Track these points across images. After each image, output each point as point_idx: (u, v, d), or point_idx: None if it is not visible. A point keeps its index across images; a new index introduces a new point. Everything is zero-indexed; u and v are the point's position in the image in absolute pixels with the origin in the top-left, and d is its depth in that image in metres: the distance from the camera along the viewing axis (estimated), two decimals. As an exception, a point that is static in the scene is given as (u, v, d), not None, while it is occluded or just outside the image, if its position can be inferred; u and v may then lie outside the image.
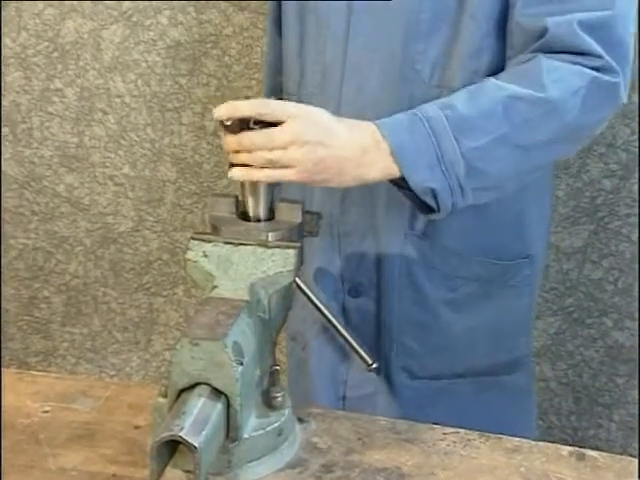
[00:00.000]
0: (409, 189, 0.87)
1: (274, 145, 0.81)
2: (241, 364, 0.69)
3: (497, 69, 0.93)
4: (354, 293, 1.05)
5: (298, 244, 0.81)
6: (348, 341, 0.95)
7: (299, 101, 1.02)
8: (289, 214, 0.85)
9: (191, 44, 1.72)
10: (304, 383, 1.13)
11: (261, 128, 0.81)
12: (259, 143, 0.81)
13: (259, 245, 0.79)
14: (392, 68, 0.94)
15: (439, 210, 0.88)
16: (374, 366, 0.93)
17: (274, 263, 0.78)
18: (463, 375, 1.06)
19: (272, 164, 0.81)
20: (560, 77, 0.86)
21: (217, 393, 0.69)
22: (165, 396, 0.73)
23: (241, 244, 0.80)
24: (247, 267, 0.78)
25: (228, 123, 0.81)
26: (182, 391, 0.70)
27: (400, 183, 0.87)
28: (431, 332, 1.04)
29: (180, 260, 1.85)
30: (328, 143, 0.82)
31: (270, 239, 0.81)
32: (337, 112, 0.93)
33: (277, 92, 1.22)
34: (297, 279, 0.85)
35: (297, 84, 1.04)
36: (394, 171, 0.85)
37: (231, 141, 0.82)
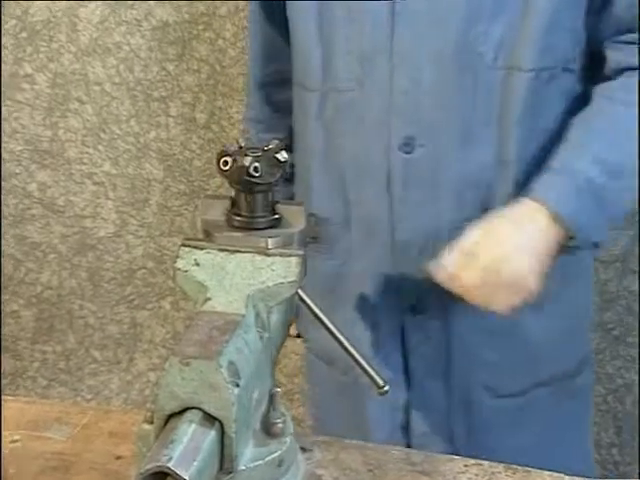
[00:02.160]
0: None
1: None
2: (237, 386, 0.70)
3: (569, 46, 0.97)
4: (414, 309, 1.06)
5: (301, 251, 0.81)
6: (357, 361, 0.95)
7: (324, 97, 1.03)
8: (291, 218, 0.86)
9: (180, 25, 1.73)
10: (349, 412, 1.13)
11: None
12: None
13: (257, 253, 0.80)
14: (450, 53, 0.95)
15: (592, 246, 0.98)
16: (386, 388, 0.94)
17: (274, 273, 0.79)
18: (545, 383, 1.09)
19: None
20: None
21: (210, 419, 0.70)
22: (151, 422, 0.73)
23: (237, 251, 0.80)
24: (244, 277, 0.79)
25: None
26: (170, 416, 0.71)
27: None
28: (511, 339, 1.06)
29: (167, 269, 1.86)
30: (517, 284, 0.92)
31: (270, 246, 0.82)
32: (388, 107, 0.96)
33: (269, 84, 1.22)
34: (300, 291, 0.86)
35: (320, 77, 1.04)
36: (560, 237, 0.93)
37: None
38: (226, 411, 0.70)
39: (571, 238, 0.94)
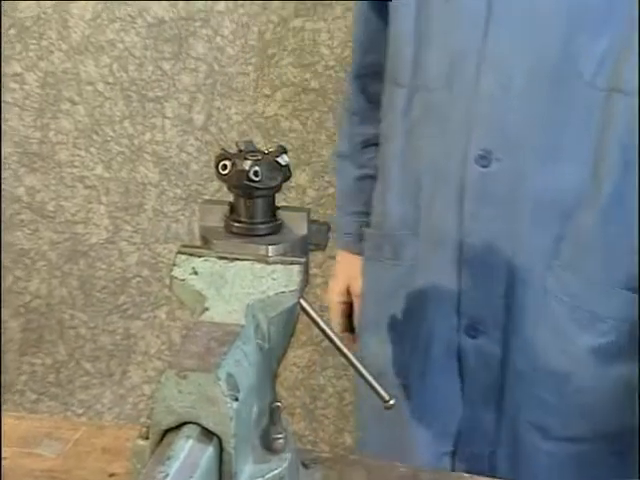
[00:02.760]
0: None
1: None
2: (236, 400, 0.70)
3: None
4: (473, 331, 1.04)
5: (303, 259, 0.81)
6: (362, 374, 0.95)
7: (411, 94, 1.03)
8: (292, 224, 0.86)
9: (176, 22, 1.74)
10: (395, 434, 1.13)
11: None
12: None
13: (257, 260, 0.80)
14: (546, 64, 0.93)
15: None
16: (391, 403, 0.94)
17: (275, 282, 0.79)
18: (602, 435, 1.05)
19: None
20: None
21: (208, 434, 0.70)
22: (146, 438, 0.74)
23: (236, 259, 0.80)
24: (243, 286, 0.79)
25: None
26: (166, 432, 0.71)
27: None
28: (572, 384, 1.02)
29: (163, 277, 1.86)
30: None
31: (270, 253, 0.82)
32: (471, 113, 0.95)
33: (365, 75, 1.23)
34: (302, 300, 0.86)
35: (410, 72, 1.03)
36: None
37: None
38: (225, 426, 0.70)
39: None
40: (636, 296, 1.01)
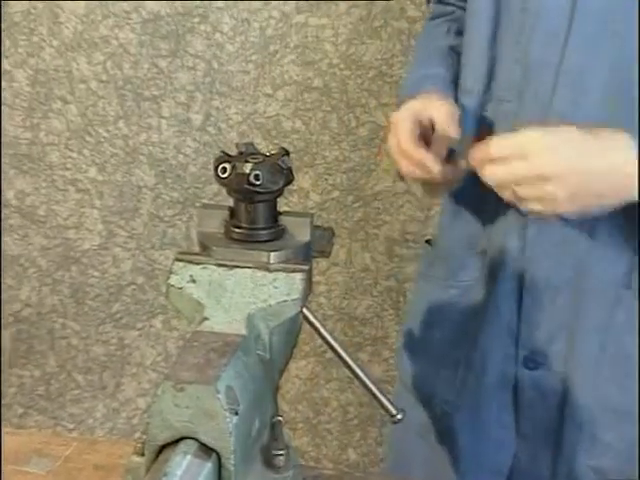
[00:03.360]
0: None
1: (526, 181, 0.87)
2: (236, 414, 0.70)
3: None
4: (532, 364, 1.03)
5: (306, 266, 0.82)
6: (368, 388, 0.96)
7: (482, 105, 1.03)
8: (295, 230, 0.87)
9: (173, 17, 1.74)
10: (438, 466, 1.12)
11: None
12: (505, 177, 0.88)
13: (258, 268, 0.81)
14: (625, 70, 0.92)
15: None
16: (399, 417, 0.94)
17: (277, 290, 0.79)
18: None
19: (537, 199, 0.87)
20: None
21: (206, 450, 0.70)
22: (141, 454, 0.74)
23: (236, 267, 0.81)
24: (244, 295, 0.79)
25: None
26: (163, 447, 0.71)
27: None
28: (635, 425, 1.01)
29: (159, 285, 1.86)
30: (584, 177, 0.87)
31: (272, 260, 0.82)
32: (544, 125, 0.93)
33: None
34: (305, 310, 0.86)
35: (482, 82, 1.04)
36: (632, 194, 0.87)
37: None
38: (224, 441, 0.70)
39: None
40: None
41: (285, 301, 0.80)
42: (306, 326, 0.91)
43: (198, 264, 0.82)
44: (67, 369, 1.97)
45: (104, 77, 1.79)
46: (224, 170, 0.83)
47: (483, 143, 0.90)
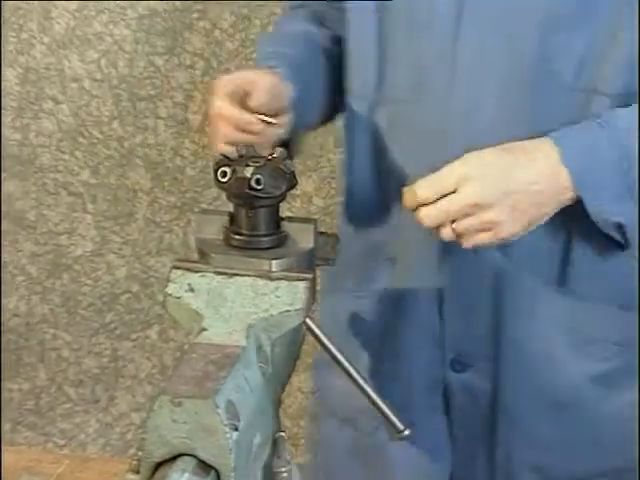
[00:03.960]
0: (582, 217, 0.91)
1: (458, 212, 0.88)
2: (236, 429, 0.71)
3: None
4: (459, 366, 1.04)
5: (310, 275, 0.82)
6: (374, 402, 0.96)
7: (373, 109, 1.04)
8: (298, 236, 0.87)
9: (170, 13, 1.75)
10: (371, 477, 1.12)
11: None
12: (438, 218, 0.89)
13: (260, 276, 0.81)
14: (521, 65, 0.94)
15: (627, 245, 0.93)
16: (406, 433, 0.95)
17: (279, 300, 0.80)
18: (607, 473, 1.05)
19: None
20: None
21: (205, 467, 0.70)
22: (137, 472, 0.74)
23: (236, 275, 0.81)
24: (244, 304, 0.79)
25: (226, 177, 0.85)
26: (160, 465, 0.71)
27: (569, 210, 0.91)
28: (572, 417, 1.03)
29: (155, 293, 1.87)
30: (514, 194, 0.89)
31: (274, 269, 0.82)
32: (444, 127, 0.96)
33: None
34: (308, 320, 0.87)
35: (372, 84, 1.04)
36: (568, 197, 0.90)
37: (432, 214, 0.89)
38: (223, 458, 0.70)
39: (579, 203, 0.90)
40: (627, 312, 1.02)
41: (287, 311, 0.80)
42: (309, 337, 0.91)
43: (196, 272, 0.82)
44: (58, 382, 1.98)
45: (98, 76, 1.79)
46: (224, 174, 0.84)
47: (409, 188, 0.90)
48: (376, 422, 1.07)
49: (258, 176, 0.82)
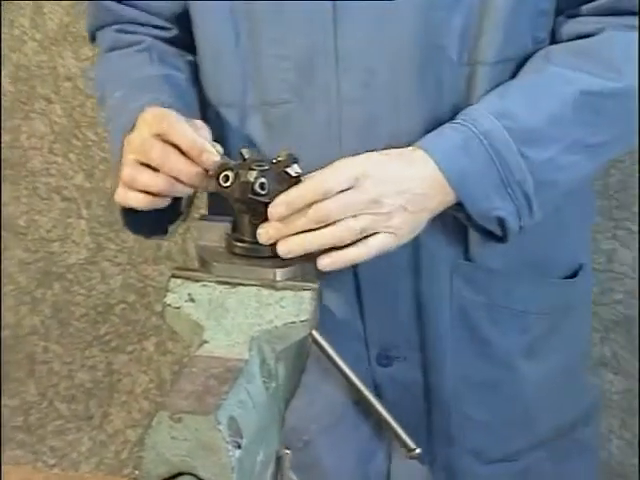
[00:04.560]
0: (466, 215, 0.95)
1: (355, 211, 0.88)
2: (239, 447, 0.71)
3: (538, 30, 0.99)
4: (385, 360, 1.07)
5: (316, 284, 0.83)
6: (384, 419, 0.96)
7: (244, 113, 1.04)
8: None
9: (169, 8, 1.76)
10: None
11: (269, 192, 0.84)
12: (338, 211, 0.87)
13: (263, 286, 0.82)
14: (407, 48, 0.97)
15: (506, 236, 0.96)
16: (417, 451, 0.95)
17: (284, 310, 0.80)
18: (544, 442, 1.11)
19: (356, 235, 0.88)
20: (633, 54, 0.95)
21: (206, 487, 0.71)
22: (134, 491, 0.75)
23: (239, 284, 0.82)
24: (247, 315, 0.80)
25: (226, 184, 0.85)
26: (158, 484, 0.72)
27: (453, 209, 0.95)
28: (504, 393, 1.08)
29: (152, 304, 1.87)
30: (406, 194, 0.90)
31: (278, 278, 0.83)
32: (337, 120, 0.98)
33: None
34: (314, 332, 0.87)
35: (240, 90, 1.04)
36: (450, 198, 0.93)
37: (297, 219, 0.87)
38: (225, 477, 0.71)
39: (460, 205, 0.93)
40: (556, 281, 1.07)
41: (293, 322, 0.81)
42: (314, 349, 0.91)
43: (197, 281, 0.83)
44: (48, 397, 1.98)
45: (93, 74, 1.79)
46: (226, 178, 0.84)
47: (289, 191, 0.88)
48: (307, 436, 1.11)
49: (262, 180, 0.83)
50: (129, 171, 0.91)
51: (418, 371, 1.07)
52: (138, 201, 0.91)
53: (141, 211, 0.94)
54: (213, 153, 0.88)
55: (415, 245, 1.01)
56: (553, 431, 1.12)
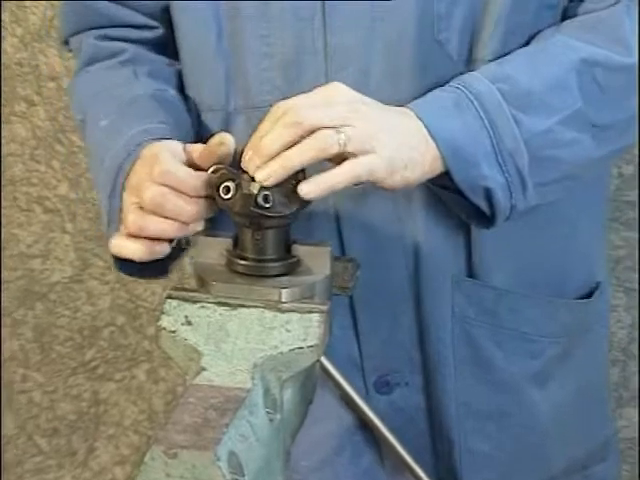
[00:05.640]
0: (454, 189, 0.94)
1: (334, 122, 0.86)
2: (240, 485, 0.72)
3: (544, 23, 1.00)
4: (385, 387, 1.08)
5: (325, 306, 0.83)
6: (400, 456, 0.97)
7: (229, 117, 1.06)
8: (312, 262, 0.88)
9: (163, 1, 1.77)
10: None
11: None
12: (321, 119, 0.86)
13: (268, 307, 0.82)
14: (404, 45, 0.98)
15: (494, 216, 0.95)
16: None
17: (290, 335, 0.80)
18: (555, 478, 1.12)
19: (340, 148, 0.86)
20: None
21: (203, 529, 0.71)
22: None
23: (241, 306, 0.82)
24: (250, 340, 0.80)
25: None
26: (151, 526, 0.72)
27: (441, 181, 0.94)
28: (511, 424, 1.08)
29: (144, 326, 1.87)
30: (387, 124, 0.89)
31: (284, 299, 0.83)
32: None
33: None
34: (323, 359, 0.87)
35: (223, 92, 1.06)
36: (435, 166, 0.92)
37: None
38: (225, 518, 0.71)
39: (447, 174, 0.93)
40: (570, 302, 1.08)
41: (300, 348, 0.81)
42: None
43: (195, 303, 0.83)
44: (27, 431, 1.98)
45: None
46: (227, 190, 0.85)
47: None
48: (298, 475, 1.11)
49: (266, 192, 0.83)
50: (134, 219, 0.91)
51: (420, 398, 1.08)
52: (142, 253, 0.92)
53: None
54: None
55: (414, 258, 1.03)
56: (565, 467, 1.12)
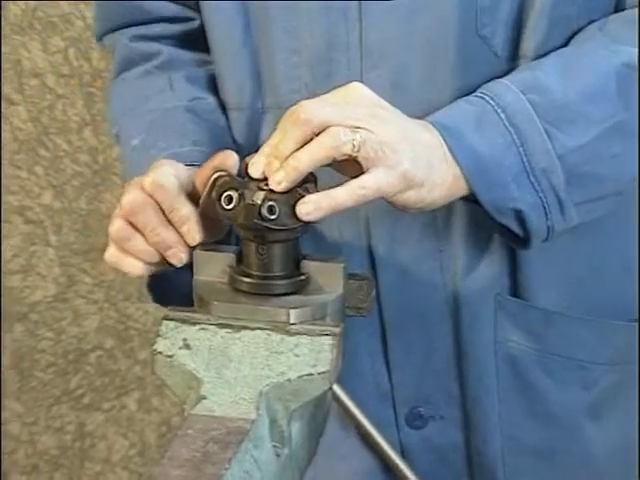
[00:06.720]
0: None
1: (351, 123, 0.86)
2: (243, 527, 0.72)
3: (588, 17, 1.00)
4: (418, 420, 1.08)
5: (337, 328, 0.83)
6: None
7: (256, 117, 1.07)
8: (323, 279, 0.88)
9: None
10: None
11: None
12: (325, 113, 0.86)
13: (274, 330, 0.82)
14: (445, 41, 0.99)
15: (529, 239, 0.95)
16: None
17: (299, 360, 0.81)
18: None
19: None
20: None
21: None
22: None
23: (245, 328, 0.82)
24: (255, 366, 0.81)
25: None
26: None
27: (468, 197, 0.94)
28: (563, 461, 1.08)
29: (135, 350, 1.87)
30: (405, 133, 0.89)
31: (292, 320, 0.84)
32: None
33: None
34: (336, 387, 0.88)
35: (249, 91, 1.08)
36: (458, 187, 0.92)
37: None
38: None
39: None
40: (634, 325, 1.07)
41: (310, 375, 0.81)
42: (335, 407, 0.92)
43: (194, 324, 0.84)
44: (4, 469, 1.98)
45: (65, 70, 1.81)
46: (229, 199, 0.85)
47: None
48: None
49: (271, 203, 0.84)
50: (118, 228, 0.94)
51: (458, 433, 1.08)
52: (136, 268, 0.95)
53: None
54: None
55: (452, 276, 1.03)
56: None
